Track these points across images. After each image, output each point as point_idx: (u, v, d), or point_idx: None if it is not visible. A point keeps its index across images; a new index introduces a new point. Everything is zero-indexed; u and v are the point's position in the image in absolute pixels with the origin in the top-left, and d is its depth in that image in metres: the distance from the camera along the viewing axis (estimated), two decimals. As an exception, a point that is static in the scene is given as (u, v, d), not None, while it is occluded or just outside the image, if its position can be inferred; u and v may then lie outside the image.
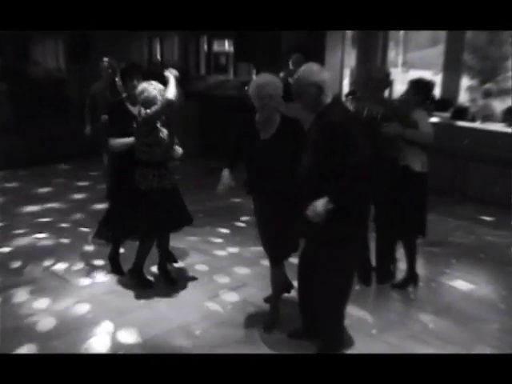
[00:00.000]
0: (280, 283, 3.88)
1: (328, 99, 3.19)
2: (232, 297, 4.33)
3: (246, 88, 3.55)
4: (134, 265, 4.44)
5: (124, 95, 4.46)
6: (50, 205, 6.57)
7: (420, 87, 4.27)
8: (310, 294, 3.42)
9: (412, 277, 4.50)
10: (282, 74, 5.61)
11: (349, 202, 3.09)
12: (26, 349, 3.53)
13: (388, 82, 4.43)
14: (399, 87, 8.65)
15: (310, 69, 3.21)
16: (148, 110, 4.00)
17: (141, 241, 4.38)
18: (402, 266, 4.56)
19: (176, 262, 4.85)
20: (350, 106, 4.36)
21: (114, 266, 4.67)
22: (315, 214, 3.04)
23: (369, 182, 3.10)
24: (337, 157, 3.03)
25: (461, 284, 4.66)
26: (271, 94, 3.45)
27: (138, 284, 4.41)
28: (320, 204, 3.03)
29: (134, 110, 4.30)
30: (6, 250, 5.12)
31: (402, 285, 4.49)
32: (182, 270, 4.78)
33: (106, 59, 6.27)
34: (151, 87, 4.06)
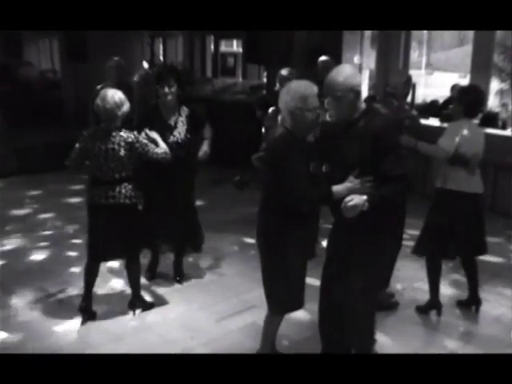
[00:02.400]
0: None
1: (362, 104, 3.20)
2: (240, 320, 4.35)
3: (278, 96, 3.42)
4: (132, 295, 4.39)
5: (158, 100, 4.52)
6: (44, 216, 6.64)
7: (463, 97, 4.16)
8: (333, 313, 3.39)
9: (434, 301, 4.48)
10: (285, 73, 5.22)
11: (384, 213, 3.11)
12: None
13: (409, 87, 4.47)
14: (422, 91, 8.71)
15: (345, 72, 3.14)
16: (155, 151, 4.07)
17: (131, 262, 4.33)
18: (424, 286, 4.57)
19: (180, 281, 4.92)
20: None
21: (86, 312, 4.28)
22: (352, 205, 2.97)
23: (405, 194, 3.11)
24: (380, 167, 3.04)
25: (491, 307, 4.64)
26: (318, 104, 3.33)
27: (142, 309, 4.40)
28: (358, 198, 2.98)
29: (168, 118, 4.47)
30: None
31: (425, 309, 4.49)
32: (186, 290, 4.82)
33: (116, 58, 6.37)
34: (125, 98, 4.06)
